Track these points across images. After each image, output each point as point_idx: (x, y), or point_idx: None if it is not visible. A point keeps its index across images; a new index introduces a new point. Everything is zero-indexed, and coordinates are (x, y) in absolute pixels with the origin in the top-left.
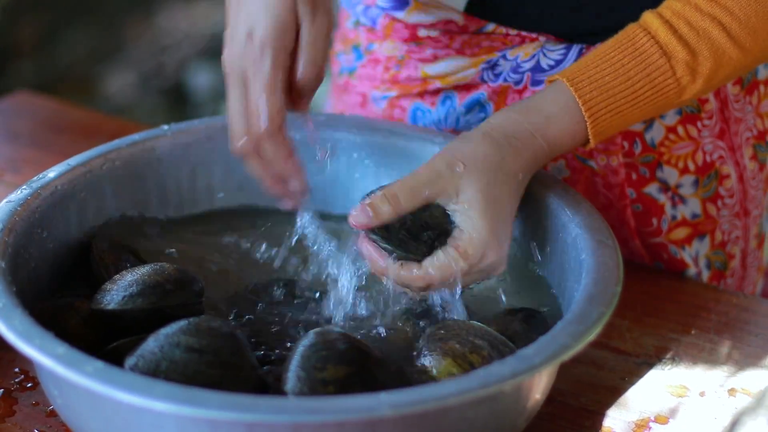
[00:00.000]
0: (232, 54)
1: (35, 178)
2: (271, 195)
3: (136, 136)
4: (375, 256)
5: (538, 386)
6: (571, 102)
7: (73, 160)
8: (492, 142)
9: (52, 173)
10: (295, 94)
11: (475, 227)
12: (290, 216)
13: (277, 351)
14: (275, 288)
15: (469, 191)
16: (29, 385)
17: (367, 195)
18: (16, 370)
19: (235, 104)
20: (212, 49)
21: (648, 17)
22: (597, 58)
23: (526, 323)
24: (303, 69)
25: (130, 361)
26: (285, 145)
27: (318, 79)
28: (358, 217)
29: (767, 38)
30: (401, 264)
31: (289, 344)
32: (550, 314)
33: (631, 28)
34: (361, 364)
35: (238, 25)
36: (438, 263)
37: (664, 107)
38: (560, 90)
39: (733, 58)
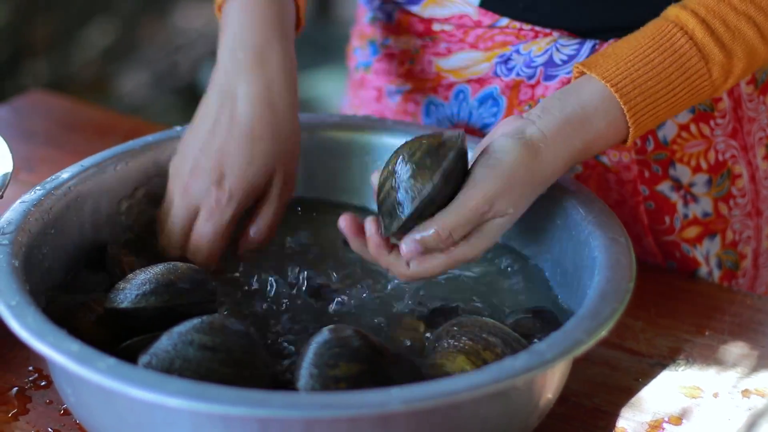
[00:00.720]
0: (195, 184)
1: (49, 178)
2: None
3: (149, 138)
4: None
5: (551, 383)
6: (619, 113)
7: (87, 161)
8: (542, 161)
9: (65, 174)
10: (242, 241)
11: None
12: (304, 215)
13: (290, 348)
14: (291, 286)
15: (509, 213)
16: (43, 383)
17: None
18: (30, 368)
19: (177, 221)
20: None
21: (681, 14)
22: (636, 59)
23: (538, 321)
24: (258, 230)
25: (143, 359)
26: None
27: (267, 241)
28: (409, 251)
29: None
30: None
31: (302, 341)
32: (562, 312)
33: (664, 25)
34: (374, 362)
35: (205, 156)
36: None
37: (692, 105)
38: (607, 99)
39: (763, 56)
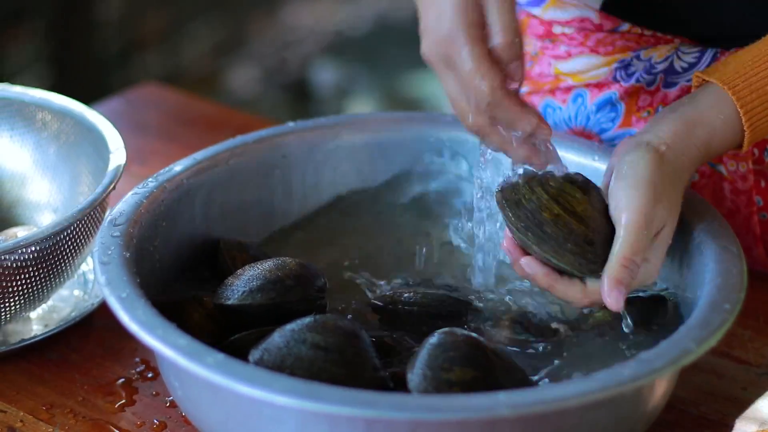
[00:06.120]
0: (428, 44)
1: (162, 171)
2: (520, 160)
3: (262, 132)
4: (540, 274)
5: (658, 391)
6: (734, 113)
7: (200, 154)
8: (668, 165)
9: (178, 167)
10: (504, 67)
11: (652, 262)
12: (412, 219)
13: (399, 354)
14: (399, 289)
15: (669, 221)
16: (150, 375)
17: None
18: (137, 359)
19: (451, 86)
20: (336, 46)
21: None
22: (754, 60)
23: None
24: (494, 40)
25: (255, 354)
26: (516, 102)
27: (513, 46)
28: (617, 301)
29: None
30: (567, 281)
31: (409, 345)
32: (672, 321)
33: None
34: (487, 369)
35: (428, 15)
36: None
37: None
38: (722, 99)
39: None
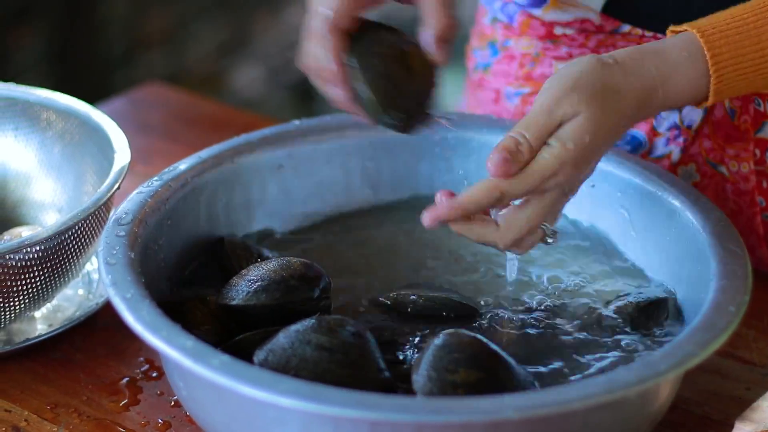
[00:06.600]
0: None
1: (166, 169)
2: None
3: (267, 131)
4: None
5: (663, 393)
6: (699, 53)
7: (204, 153)
8: (612, 73)
9: (183, 165)
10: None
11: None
12: (417, 219)
13: (403, 355)
14: (403, 292)
15: (580, 113)
16: (154, 374)
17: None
18: (141, 359)
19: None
20: None
21: None
22: (729, 16)
23: (644, 316)
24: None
25: (259, 355)
26: (334, 49)
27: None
28: (497, 166)
29: None
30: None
31: (416, 348)
32: (675, 324)
33: None
34: (492, 371)
35: None
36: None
37: None
38: (689, 39)
39: None
